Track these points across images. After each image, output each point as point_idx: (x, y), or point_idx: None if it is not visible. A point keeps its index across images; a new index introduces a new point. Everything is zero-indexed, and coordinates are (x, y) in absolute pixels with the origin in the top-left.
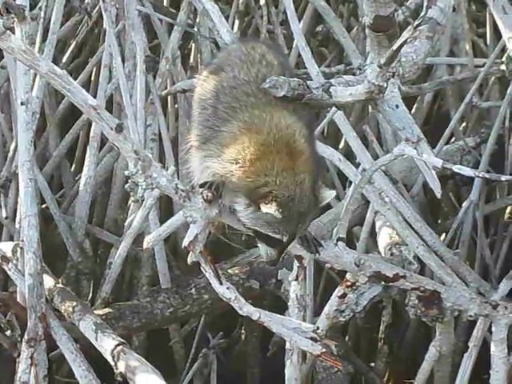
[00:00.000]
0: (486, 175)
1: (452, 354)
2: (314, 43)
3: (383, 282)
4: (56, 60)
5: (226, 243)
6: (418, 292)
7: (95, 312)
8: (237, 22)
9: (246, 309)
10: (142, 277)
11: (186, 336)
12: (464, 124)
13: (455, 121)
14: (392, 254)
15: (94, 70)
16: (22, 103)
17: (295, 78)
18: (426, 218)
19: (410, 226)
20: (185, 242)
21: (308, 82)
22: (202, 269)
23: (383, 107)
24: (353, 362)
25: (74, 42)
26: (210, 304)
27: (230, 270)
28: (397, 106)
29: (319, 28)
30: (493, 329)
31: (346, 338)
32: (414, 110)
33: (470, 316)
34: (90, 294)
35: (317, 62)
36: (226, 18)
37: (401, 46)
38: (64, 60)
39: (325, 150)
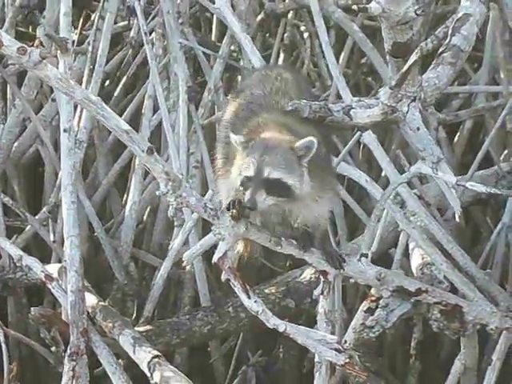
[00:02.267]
0: (497, 191)
1: (477, 367)
2: (357, 74)
3: (409, 297)
4: (111, 92)
5: (267, 267)
6: (440, 306)
7: (137, 329)
8: (282, 54)
9: (272, 321)
10: (184, 297)
11: (226, 354)
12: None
13: (487, 146)
14: (423, 274)
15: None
16: (64, 130)
17: (316, 102)
18: (463, 241)
19: (443, 247)
20: (214, 259)
21: (329, 105)
22: (231, 284)
23: (405, 129)
24: (386, 378)
25: (126, 76)
26: (247, 322)
27: (266, 290)
28: (418, 128)
29: (364, 60)
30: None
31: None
32: (456, 139)
33: (492, 329)
34: (134, 315)
35: (361, 92)
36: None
37: (409, 69)
38: (117, 92)
39: (352, 172)
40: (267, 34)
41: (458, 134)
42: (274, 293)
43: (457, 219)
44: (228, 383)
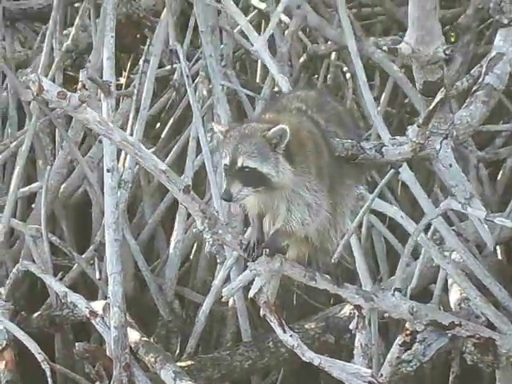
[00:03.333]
0: None
1: None
2: (400, 113)
3: (443, 331)
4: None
5: (310, 304)
6: (473, 339)
7: (179, 364)
8: None
9: (308, 355)
10: (226, 334)
11: None
12: None
13: None
14: (460, 308)
15: None
16: (108, 170)
17: (349, 140)
18: (504, 276)
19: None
20: (251, 294)
21: (362, 143)
22: (267, 318)
23: (438, 166)
24: None
25: (172, 118)
26: (287, 357)
27: (306, 326)
28: (450, 165)
29: (407, 100)
30: None
31: None
32: (499, 177)
33: None
34: (178, 351)
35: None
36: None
37: (435, 106)
38: (164, 134)
39: (388, 209)
40: (313, 76)
41: (501, 172)
42: (314, 328)
43: (490, 249)
44: None
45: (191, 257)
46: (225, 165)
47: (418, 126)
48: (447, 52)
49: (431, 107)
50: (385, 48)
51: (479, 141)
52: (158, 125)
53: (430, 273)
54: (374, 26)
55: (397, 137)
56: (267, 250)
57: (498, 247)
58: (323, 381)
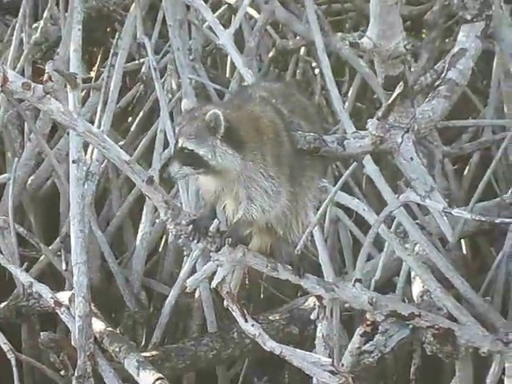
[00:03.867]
0: (482, 218)
1: None
2: (370, 109)
3: (402, 321)
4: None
5: (277, 297)
6: (433, 330)
7: (143, 354)
8: None
9: (269, 344)
10: (192, 325)
11: (233, 379)
12: None
13: (488, 177)
14: (422, 300)
15: None
16: (73, 161)
17: (311, 133)
18: (468, 270)
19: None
20: (213, 284)
21: (324, 137)
22: (229, 308)
23: (399, 159)
24: None
25: (142, 111)
26: (252, 347)
27: (270, 317)
28: (411, 159)
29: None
30: (506, 364)
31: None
32: (465, 172)
33: (483, 352)
34: (144, 342)
35: None
36: None
37: (394, 100)
38: (133, 127)
39: (351, 201)
40: (282, 71)
41: (467, 167)
42: (278, 319)
43: (452, 242)
44: None
45: (160, 249)
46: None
47: (378, 120)
48: (408, 47)
49: (390, 101)
50: (346, 43)
51: (447, 137)
52: (130, 119)
53: (394, 265)
54: (344, 22)
55: (358, 130)
56: (229, 239)
57: (462, 241)
58: (288, 371)
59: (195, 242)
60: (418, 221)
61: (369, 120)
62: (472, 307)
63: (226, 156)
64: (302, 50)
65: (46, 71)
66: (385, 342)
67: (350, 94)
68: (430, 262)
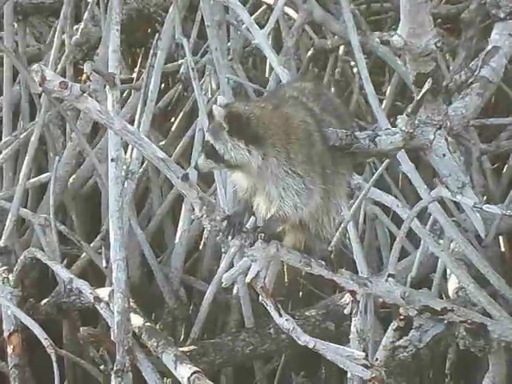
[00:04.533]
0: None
1: None
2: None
3: (436, 316)
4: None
5: (316, 294)
6: (466, 325)
7: (181, 349)
8: (333, 89)
9: (303, 338)
10: (230, 321)
11: (270, 374)
12: None
13: None
14: (458, 296)
15: None
16: (112, 160)
17: (343, 130)
18: (505, 267)
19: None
20: (247, 279)
21: (355, 133)
22: (263, 303)
23: (432, 156)
24: None
25: (183, 111)
26: (288, 343)
27: (307, 313)
28: (444, 155)
29: None
30: None
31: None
32: (504, 170)
33: None
34: (183, 337)
35: None
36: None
37: (423, 97)
38: (174, 127)
39: (384, 198)
40: (321, 70)
41: (506, 165)
42: (314, 315)
43: (482, 235)
44: None
45: (200, 247)
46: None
47: (407, 116)
48: (438, 44)
49: (419, 97)
50: (377, 40)
51: (487, 135)
52: (173, 119)
53: (431, 262)
54: (384, 22)
55: (390, 127)
56: (262, 234)
57: (500, 238)
58: (324, 367)
59: (229, 237)
60: (454, 218)
61: (398, 116)
62: (507, 304)
63: (239, 151)
64: (341, 49)
65: (85, 71)
66: (420, 337)
67: (387, 92)
68: (465, 259)
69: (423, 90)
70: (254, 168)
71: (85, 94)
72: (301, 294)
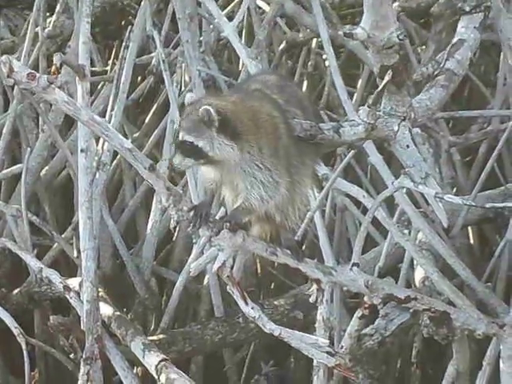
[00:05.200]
0: (473, 203)
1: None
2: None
3: (398, 304)
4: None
5: (287, 284)
6: (429, 313)
7: (150, 338)
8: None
9: (268, 326)
10: (201, 310)
11: (240, 363)
12: None
13: (490, 165)
14: (424, 286)
15: None
16: (81, 150)
17: (307, 121)
18: (473, 257)
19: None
20: (214, 268)
21: (320, 124)
22: (229, 291)
23: (396, 147)
24: None
25: (156, 104)
26: (256, 332)
27: (275, 302)
28: (407, 146)
29: None
30: (501, 346)
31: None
32: (475, 162)
33: (479, 335)
34: (153, 327)
35: None
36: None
37: (382, 89)
38: (148, 119)
39: (350, 188)
40: (294, 63)
41: (476, 158)
42: (283, 305)
43: (444, 225)
44: None
45: (174, 238)
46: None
47: (368, 107)
48: (401, 37)
49: (379, 89)
50: (340, 33)
51: (459, 128)
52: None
53: (399, 252)
54: (358, 15)
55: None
56: (228, 224)
57: (470, 230)
58: (294, 356)
59: (196, 227)
60: (421, 209)
61: (360, 108)
62: (474, 293)
63: (224, 147)
64: (314, 42)
65: (54, 62)
66: (385, 326)
67: (358, 85)
68: (432, 250)
69: (383, 82)
70: (232, 163)
71: (52, 85)
72: (273, 285)
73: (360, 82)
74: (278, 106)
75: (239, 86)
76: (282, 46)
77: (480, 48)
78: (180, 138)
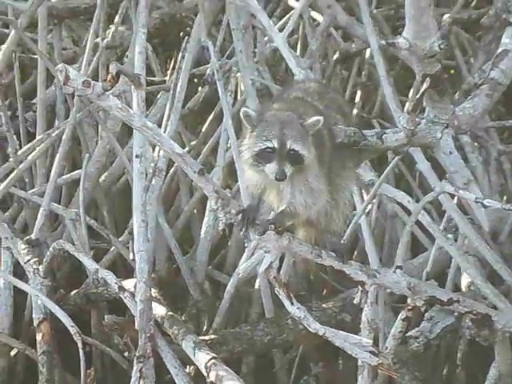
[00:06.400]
0: (509, 206)
1: None
2: None
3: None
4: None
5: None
6: (471, 315)
7: (202, 338)
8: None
9: (313, 326)
10: (252, 313)
11: (290, 363)
12: None
13: None
14: (470, 290)
15: None
16: (136, 156)
17: (351, 127)
18: None
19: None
20: (261, 269)
21: (364, 131)
22: (276, 292)
23: (439, 153)
24: None
25: (214, 112)
26: (305, 333)
27: (324, 305)
28: (450, 152)
29: None
30: None
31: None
32: None
33: None
34: (205, 327)
35: None
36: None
37: (421, 96)
38: (204, 128)
39: (396, 194)
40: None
41: None
42: (332, 307)
43: (485, 229)
44: None
45: (229, 243)
46: (269, 148)
47: (408, 114)
48: (442, 46)
49: (417, 96)
50: (383, 42)
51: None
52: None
53: (447, 258)
54: None
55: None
56: (272, 226)
57: None
58: (341, 356)
59: (244, 230)
60: (469, 216)
61: (400, 115)
62: None
63: (313, 152)
64: (367, 52)
65: (110, 71)
66: (431, 329)
67: (410, 94)
68: (479, 255)
69: (421, 90)
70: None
71: (107, 93)
72: (325, 291)
73: (412, 90)
74: (320, 112)
75: (280, 95)
76: (335, 57)
77: None
78: (288, 146)
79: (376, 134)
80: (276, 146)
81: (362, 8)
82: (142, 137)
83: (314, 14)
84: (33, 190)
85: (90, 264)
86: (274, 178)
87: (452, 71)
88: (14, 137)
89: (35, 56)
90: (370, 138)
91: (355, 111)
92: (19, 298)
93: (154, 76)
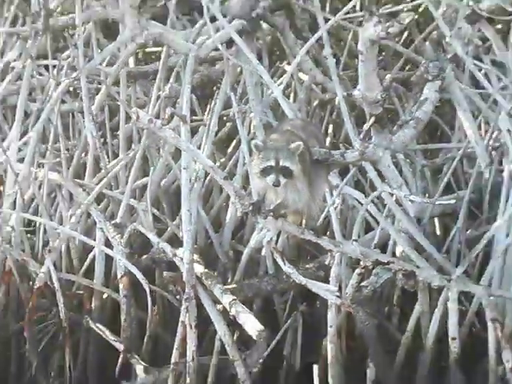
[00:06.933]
0: (425, 200)
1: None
2: None
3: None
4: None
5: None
6: (402, 271)
7: (226, 287)
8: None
9: (298, 278)
10: (260, 271)
11: (284, 304)
12: None
13: (448, 178)
14: (402, 255)
15: None
16: (184, 168)
17: (323, 149)
18: (436, 239)
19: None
20: (264, 242)
21: (332, 151)
22: (275, 257)
23: (381, 167)
24: (379, 319)
25: (236, 139)
26: (294, 284)
27: (306, 265)
28: (389, 166)
29: None
30: (448, 294)
31: None
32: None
33: (435, 286)
34: (229, 280)
35: None
36: None
37: (369, 128)
38: (229, 150)
39: (354, 193)
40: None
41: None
42: (311, 267)
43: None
44: (284, 322)
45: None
46: (269, 166)
47: (360, 140)
48: (383, 96)
49: (366, 128)
50: (344, 94)
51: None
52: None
53: (387, 235)
54: None
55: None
56: (272, 213)
57: (436, 221)
58: (318, 299)
59: (254, 215)
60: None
61: (356, 141)
62: (435, 261)
63: (298, 168)
64: (337, 100)
65: (166, 113)
66: (376, 280)
67: (364, 126)
68: (409, 233)
69: (368, 124)
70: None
71: (164, 127)
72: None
73: (365, 125)
74: (302, 139)
75: (276, 128)
76: (315, 103)
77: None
78: (281, 164)
79: (340, 153)
80: (273, 164)
81: (332, 71)
82: (187, 156)
83: (301, 75)
84: (117, 191)
85: (154, 239)
86: (273, 185)
87: (391, 112)
88: (105, 156)
89: (118, 103)
90: (336, 156)
91: (328, 139)
92: (109, 261)
93: (196, 115)
